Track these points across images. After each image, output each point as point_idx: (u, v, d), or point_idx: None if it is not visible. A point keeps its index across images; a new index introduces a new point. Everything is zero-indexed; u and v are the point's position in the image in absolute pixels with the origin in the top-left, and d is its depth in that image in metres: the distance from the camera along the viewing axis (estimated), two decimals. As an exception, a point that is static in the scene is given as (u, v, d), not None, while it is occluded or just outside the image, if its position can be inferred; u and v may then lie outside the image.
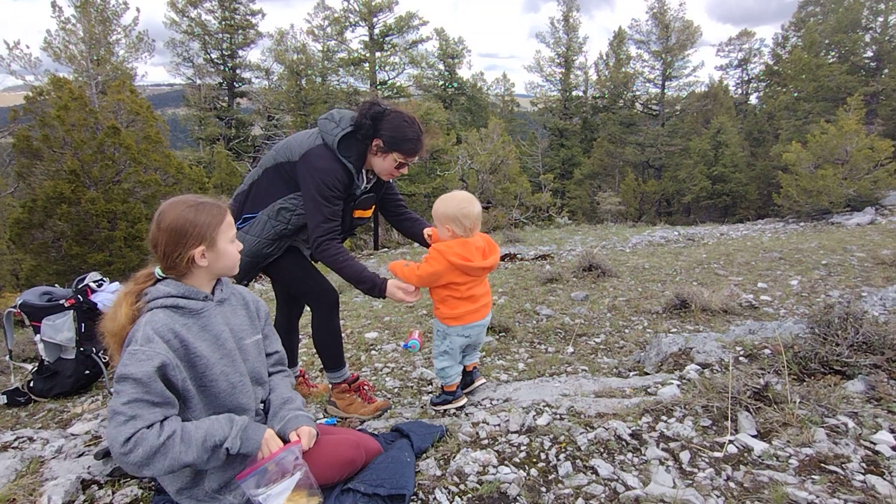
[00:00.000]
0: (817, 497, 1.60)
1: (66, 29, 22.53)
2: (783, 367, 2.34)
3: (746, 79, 39.65)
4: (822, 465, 1.76)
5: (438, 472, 1.89)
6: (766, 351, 2.77)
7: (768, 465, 1.79)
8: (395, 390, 3.30)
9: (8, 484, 1.85)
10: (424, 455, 2.02)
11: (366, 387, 2.93)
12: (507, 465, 1.90)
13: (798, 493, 1.61)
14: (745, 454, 1.86)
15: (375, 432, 2.20)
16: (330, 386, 2.94)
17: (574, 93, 40.39)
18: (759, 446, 1.88)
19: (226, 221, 1.76)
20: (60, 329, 3.73)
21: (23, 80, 21.85)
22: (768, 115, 31.93)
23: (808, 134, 15.97)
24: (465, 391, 2.76)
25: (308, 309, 2.88)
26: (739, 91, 39.75)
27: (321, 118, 2.56)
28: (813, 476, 1.71)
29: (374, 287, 2.47)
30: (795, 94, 28.99)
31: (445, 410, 2.63)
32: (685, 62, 36.00)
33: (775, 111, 30.04)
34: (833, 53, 28.81)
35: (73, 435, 2.53)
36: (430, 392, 3.25)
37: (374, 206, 2.76)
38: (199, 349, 1.66)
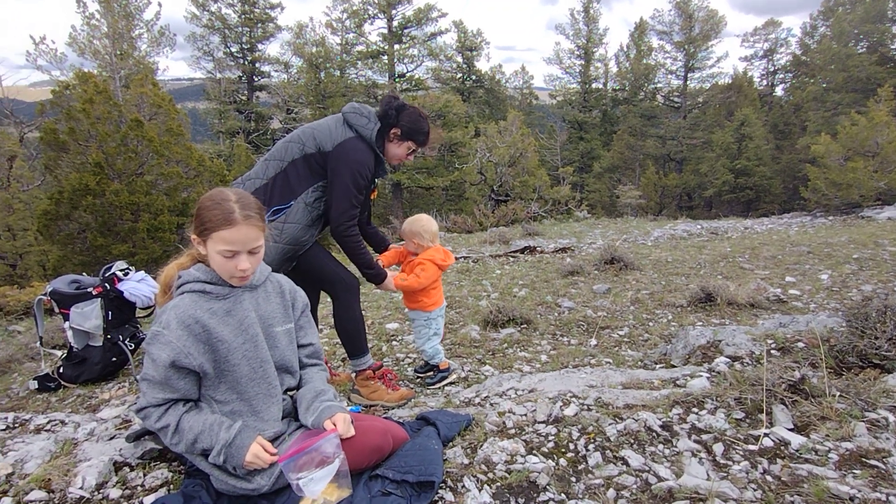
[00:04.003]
0: (859, 491, 1.55)
1: (91, 24, 22.91)
2: (820, 360, 2.28)
3: (772, 70, 38.63)
4: (863, 459, 1.71)
5: (466, 461, 1.88)
6: (800, 344, 2.70)
7: (807, 459, 1.74)
8: (418, 380, 3.30)
9: (43, 464, 1.89)
10: (451, 443, 2.01)
11: (389, 375, 2.94)
12: (535, 455, 1.88)
13: (840, 488, 1.56)
14: (782, 448, 1.81)
15: (401, 420, 2.19)
16: (353, 374, 2.95)
17: (594, 85, 39.85)
18: (796, 440, 1.82)
19: (220, 234, 1.67)
20: (88, 316, 3.79)
21: (49, 74, 22.33)
22: (795, 107, 31.17)
23: (838, 125, 15.54)
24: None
25: (328, 300, 2.93)
26: (765, 82, 38.77)
27: (350, 112, 2.74)
28: (854, 470, 1.65)
29: (380, 276, 2.84)
30: (824, 85, 28.22)
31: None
32: (709, 53, 35.27)
33: (803, 102, 29.32)
34: (863, 43, 27.94)
35: (102, 419, 2.57)
36: (453, 382, 3.24)
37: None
38: (221, 334, 1.70)
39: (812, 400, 2.01)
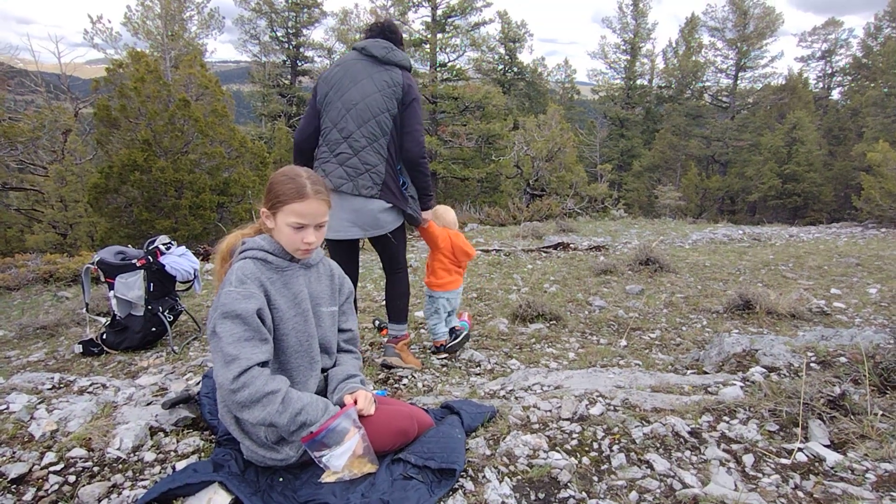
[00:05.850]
0: (898, 516, 1.48)
1: (145, 5, 23.68)
2: (864, 376, 2.18)
3: (830, 72, 36.73)
4: (904, 482, 1.63)
5: (488, 452, 1.88)
6: (842, 359, 2.59)
7: (842, 477, 1.67)
8: (444, 369, 3.31)
9: (85, 424, 1.98)
10: (474, 434, 2.02)
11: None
12: (558, 451, 1.87)
13: (876, 510, 1.49)
14: (816, 464, 1.75)
15: (426, 407, 2.21)
16: (389, 346, 3.26)
17: (638, 81, 38.84)
18: (832, 457, 1.76)
19: (292, 206, 1.74)
20: (132, 287, 3.95)
21: (104, 53, 23.21)
22: (852, 112, 29.63)
23: (897, 133, 14.74)
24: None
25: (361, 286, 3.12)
26: (821, 85, 36.93)
27: (386, 51, 2.81)
28: (892, 493, 1.58)
29: (433, 200, 3.08)
30: (885, 90, 26.76)
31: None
32: (762, 52, 33.78)
33: (861, 107, 27.86)
34: (931, 47, 26.35)
35: (140, 386, 2.68)
36: (479, 374, 3.25)
37: None
38: (277, 302, 1.76)
39: (852, 417, 1.93)
